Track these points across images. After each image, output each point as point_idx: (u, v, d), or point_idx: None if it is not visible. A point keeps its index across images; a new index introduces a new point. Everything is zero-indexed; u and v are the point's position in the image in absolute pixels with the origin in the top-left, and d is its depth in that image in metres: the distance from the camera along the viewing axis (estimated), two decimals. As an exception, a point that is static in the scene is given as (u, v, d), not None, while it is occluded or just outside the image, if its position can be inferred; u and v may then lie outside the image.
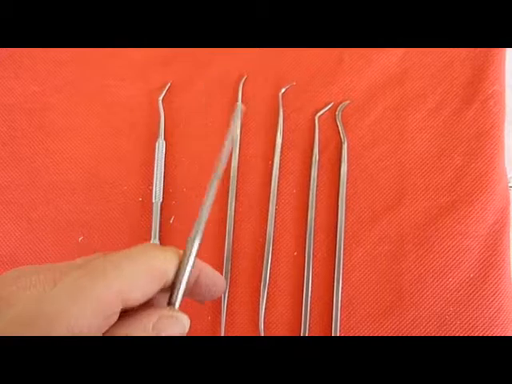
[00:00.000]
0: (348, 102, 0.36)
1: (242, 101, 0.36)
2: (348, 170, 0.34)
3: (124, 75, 0.38)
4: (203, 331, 0.33)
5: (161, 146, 0.35)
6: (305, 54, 0.37)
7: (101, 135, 0.37)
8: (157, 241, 0.34)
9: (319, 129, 0.35)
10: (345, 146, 0.35)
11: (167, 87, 0.37)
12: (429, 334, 0.32)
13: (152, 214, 0.34)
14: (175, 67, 0.38)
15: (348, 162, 0.35)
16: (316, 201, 0.34)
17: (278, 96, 0.36)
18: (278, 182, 0.35)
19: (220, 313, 0.33)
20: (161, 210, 0.35)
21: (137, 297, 0.18)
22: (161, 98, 0.36)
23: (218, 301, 0.33)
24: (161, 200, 0.35)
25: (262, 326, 0.32)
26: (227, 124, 0.36)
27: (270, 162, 0.35)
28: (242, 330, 0.33)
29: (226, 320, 0.33)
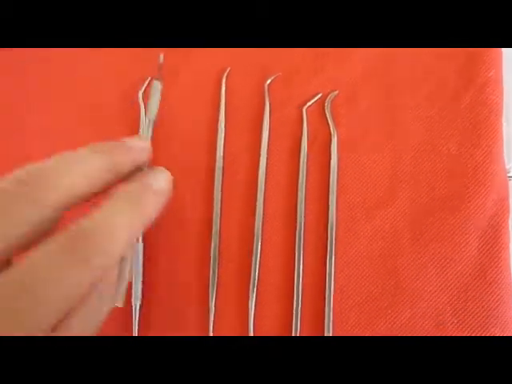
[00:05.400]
0: (337, 91, 0.34)
1: (226, 94, 0.35)
2: (338, 164, 0.33)
3: (99, 72, 0.36)
4: (190, 333, 0.32)
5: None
6: (291, 43, 0.36)
7: (79, 135, 0.35)
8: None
9: (307, 121, 0.34)
10: (334, 139, 0.33)
11: (147, 81, 0.35)
12: (426, 331, 0.31)
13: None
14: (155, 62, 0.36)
15: (338, 154, 0.33)
16: (306, 196, 0.33)
17: (263, 87, 0.35)
18: (266, 177, 0.33)
19: (207, 313, 0.31)
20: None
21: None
22: (141, 92, 0.35)
23: (205, 300, 0.32)
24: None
25: (251, 327, 0.31)
26: (211, 118, 0.35)
27: (257, 157, 0.34)
28: (230, 330, 0.32)
29: (214, 320, 0.31)
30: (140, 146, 0.21)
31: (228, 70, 0.35)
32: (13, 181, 0.16)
